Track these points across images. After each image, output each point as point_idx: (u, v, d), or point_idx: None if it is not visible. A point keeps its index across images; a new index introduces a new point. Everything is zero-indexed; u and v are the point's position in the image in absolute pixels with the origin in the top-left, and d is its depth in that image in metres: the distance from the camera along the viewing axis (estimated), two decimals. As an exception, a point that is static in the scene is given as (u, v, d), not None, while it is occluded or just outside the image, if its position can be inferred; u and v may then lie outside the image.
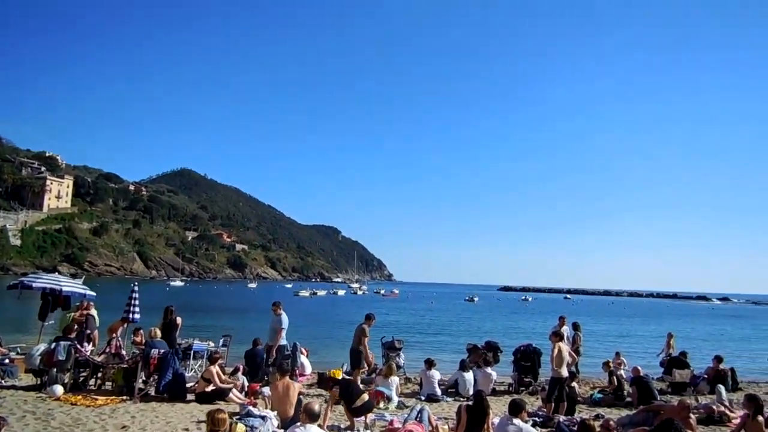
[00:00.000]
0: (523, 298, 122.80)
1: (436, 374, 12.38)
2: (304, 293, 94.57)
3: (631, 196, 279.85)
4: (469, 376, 12.48)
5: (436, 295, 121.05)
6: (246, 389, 11.07)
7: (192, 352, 12.37)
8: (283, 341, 12.78)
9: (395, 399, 11.04)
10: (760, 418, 7.48)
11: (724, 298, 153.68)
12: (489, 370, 13.13)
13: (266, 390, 10.03)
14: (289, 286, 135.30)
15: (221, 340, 14.30)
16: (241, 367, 12.18)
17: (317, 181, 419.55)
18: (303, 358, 14.29)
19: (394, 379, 11.57)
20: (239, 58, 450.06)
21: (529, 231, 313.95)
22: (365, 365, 12.25)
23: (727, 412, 9.86)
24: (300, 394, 8.50)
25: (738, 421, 9.47)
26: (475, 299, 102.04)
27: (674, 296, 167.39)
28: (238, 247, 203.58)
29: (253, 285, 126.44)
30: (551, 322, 15.81)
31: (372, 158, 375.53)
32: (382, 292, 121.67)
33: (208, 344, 13.10)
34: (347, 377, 11.05)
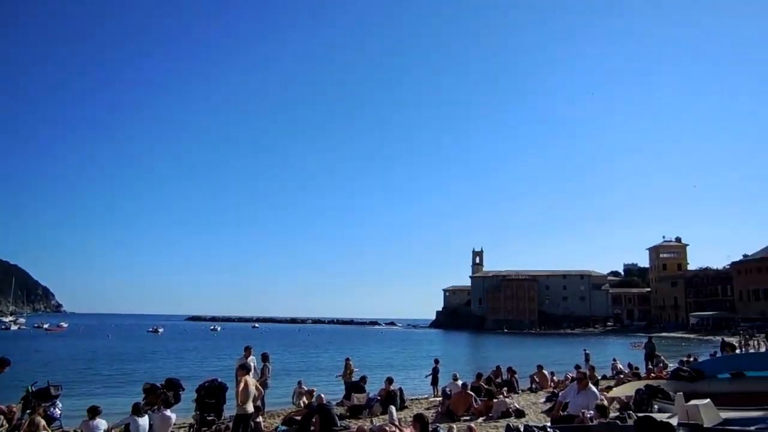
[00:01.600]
0: (212, 327, 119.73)
1: (101, 424, 10.54)
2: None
3: (315, 226, 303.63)
4: (143, 421, 10.96)
5: (115, 328, 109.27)
6: None
7: None
8: None
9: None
10: (426, 436, 8.18)
11: (391, 323, 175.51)
12: (168, 412, 11.81)
13: None
14: None
15: None
16: None
17: None
18: None
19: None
20: None
21: (217, 258, 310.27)
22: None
23: (397, 431, 10.66)
24: None
25: (406, 438, 10.31)
26: (160, 330, 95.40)
27: (351, 322, 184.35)
28: None
29: None
30: (240, 351, 15.24)
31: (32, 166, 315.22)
32: (46, 326, 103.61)
33: None
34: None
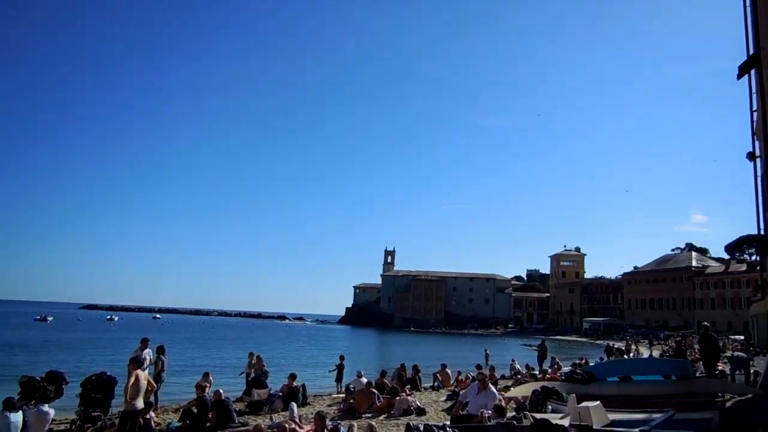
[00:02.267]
0: (109, 317, 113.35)
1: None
2: None
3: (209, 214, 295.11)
4: (15, 417, 9.98)
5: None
6: None
7: None
8: None
9: None
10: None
11: (299, 318, 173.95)
12: (45, 407, 10.85)
13: None
14: None
15: None
16: None
17: None
18: None
19: None
20: None
21: (109, 244, 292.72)
22: None
23: (297, 428, 10.40)
24: None
25: (305, 436, 10.08)
26: (49, 319, 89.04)
27: (259, 315, 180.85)
28: None
29: None
30: (135, 343, 14.38)
31: None
32: None
33: None
34: None
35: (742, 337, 45.89)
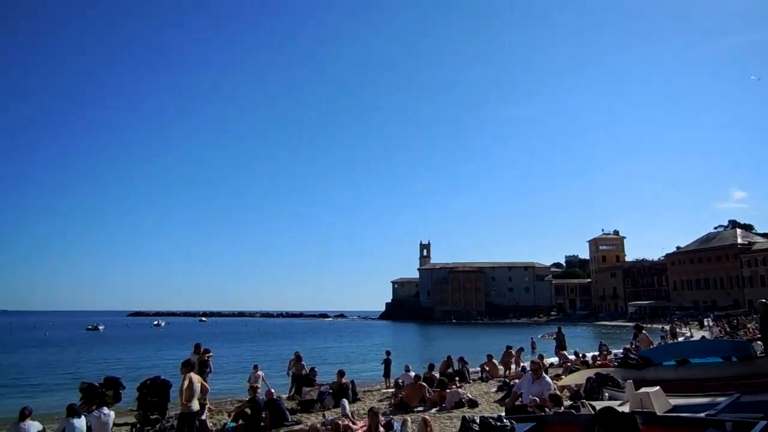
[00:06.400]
0: (156, 323, 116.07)
1: (33, 426, 9.83)
2: None
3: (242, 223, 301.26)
4: (79, 422, 10.29)
5: (51, 325, 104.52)
6: None
7: None
8: None
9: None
10: (381, 429, 7.99)
11: (340, 315, 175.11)
12: (106, 411, 11.15)
13: None
14: None
15: None
16: None
17: None
18: None
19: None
20: None
21: (153, 253, 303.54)
22: None
23: (350, 424, 10.42)
24: None
25: (359, 432, 10.09)
26: (101, 327, 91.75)
27: (300, 315, 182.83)
28: None
29: None
30: (188, 347, 14.66)
31: None
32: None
33: None
34: None
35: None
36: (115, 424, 11.55)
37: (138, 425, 12.14)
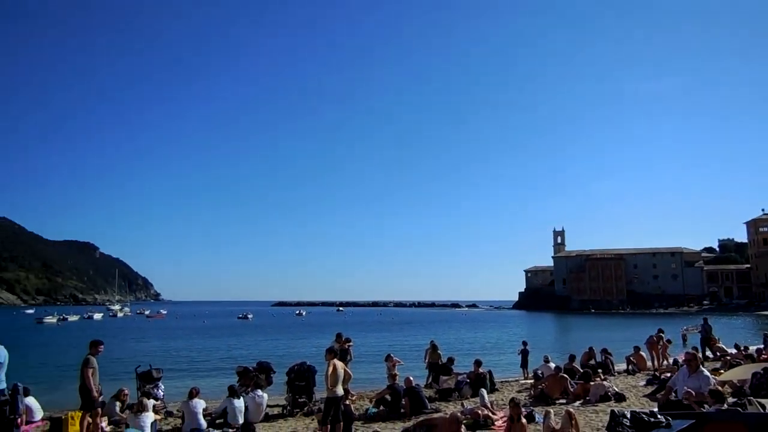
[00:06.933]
0: (297, 312, 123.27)
1: (200, 404, 10.92)
2: (50, 319, 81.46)
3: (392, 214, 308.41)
4: (239, 403, 11.26)
5: (208, 314, 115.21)
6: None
7: None
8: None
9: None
10: (524, 421, 7.83)
11: (473, 305, 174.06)
12: (260, 393, 12.09)
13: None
14: (30, 311, 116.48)
15: None
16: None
17: (67, 190, 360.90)
18: (30, 400, 11.54)
19: (147, 416, 9.87)
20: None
21: (295, 246, 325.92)
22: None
23: (490, 414, 10.35)
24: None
25: (500, 423, 9.98)
26: (249, 316, 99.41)
27: (433, 305, 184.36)
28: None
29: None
30: (328, 335, 15.43)
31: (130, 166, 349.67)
32: (147, 313, 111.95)
33: None
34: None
35: None
36: (267, 406, 12.49)
37: (288, 407, 13.00)
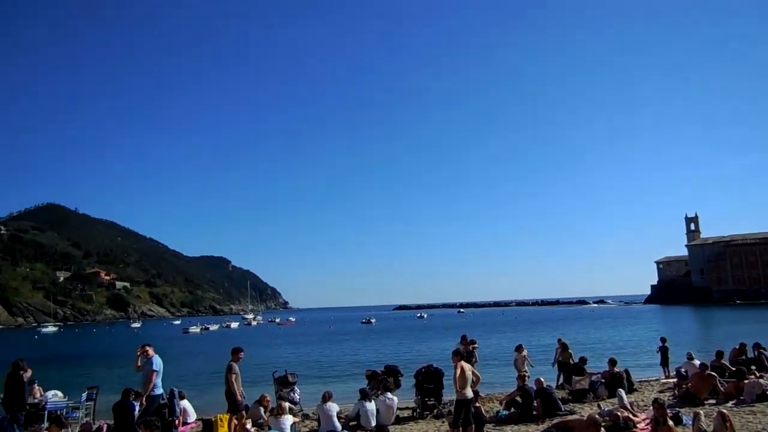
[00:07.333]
0: (419, 315, 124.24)
1: (334, 407, 11.35)
2: (195, 329, 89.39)
3: (508, 214, 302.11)
4: (371, 406, 11.56)
5: (334, 319, 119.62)
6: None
7: (45, 412, 10.45)
8: (158, 389, 10.85)
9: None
10: (670, 423, 7.31)
11: (600, 301, 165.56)
12: (390, 395, 12.33)
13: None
14: (177, 322, 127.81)
15: (84, 394, 12.34)
16: (105, 425, 10.42)
17: (201, 210, 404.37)
18: (185, 403, 12.65)
19: (287, 418, 10.42)
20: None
21: (415, 249, 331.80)
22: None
23: (631, 416, 9.77)
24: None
25: (642, 425, 9.39)
26: (373, 321, 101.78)
27: (557, 302, 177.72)
28: (119, 284, 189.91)
29: (137, 324, 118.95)
30: (451, 337, 15.41)
31: (255, 185, 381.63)
32: (278, 321, 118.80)
33: (65, 400, 11.17)
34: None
35: None
36: (397, 408, 12.70)
37: (417, 410, 13.14)
